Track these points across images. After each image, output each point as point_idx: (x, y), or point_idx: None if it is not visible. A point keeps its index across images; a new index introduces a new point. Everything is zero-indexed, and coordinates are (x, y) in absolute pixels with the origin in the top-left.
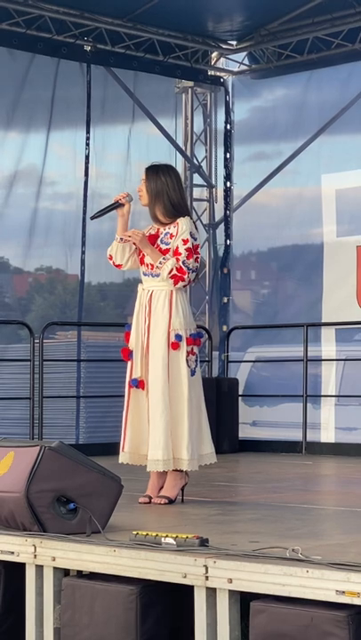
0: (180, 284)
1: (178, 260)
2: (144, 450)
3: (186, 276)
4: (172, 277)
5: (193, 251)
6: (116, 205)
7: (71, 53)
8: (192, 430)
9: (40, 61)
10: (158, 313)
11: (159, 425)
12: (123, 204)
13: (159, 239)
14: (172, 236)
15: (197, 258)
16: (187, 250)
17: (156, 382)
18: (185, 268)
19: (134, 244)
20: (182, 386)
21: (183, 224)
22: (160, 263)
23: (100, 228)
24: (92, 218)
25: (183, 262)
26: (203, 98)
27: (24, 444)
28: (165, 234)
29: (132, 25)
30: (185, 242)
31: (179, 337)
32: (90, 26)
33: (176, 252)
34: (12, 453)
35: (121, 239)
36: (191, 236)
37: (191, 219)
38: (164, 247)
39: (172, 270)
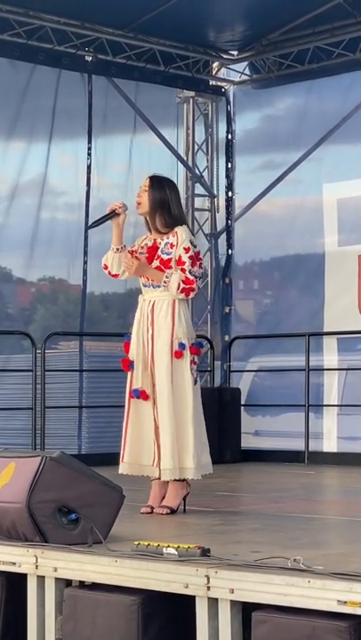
0: (192, 294)
1: (184, 270)
2: (144, 460)
3: (195, 285)
4: (182, 292)
5: (196, 257)
6: (113, 215)
7: (72, 64)
8: (196, 439)
9: (41, 72)
10: (161, 322)
11: (167, 434)
12: (119, 214)
13: (159, 250)
14: (172, 245)
15: (201, 264)
16: (190, 258)
17: (161, 391)
18: (192, 278)
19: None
20: (187, 394)
21: (182, 232)
22: (166, 280)
23: (102, 239)
24: (89, 228)
25: (190, 271)
26: (204, 108)
27: (25, 454)
28: (165, 244)
29: (133, 35)
30: (187, 250)
31: (182, 345)
32: (91, 36)
33: (180, 262)
34: (13, 464)
35: (117, 249)
36: (191, 243)
37: (188, 227)
38: (165, 257)
39: (179, 285)
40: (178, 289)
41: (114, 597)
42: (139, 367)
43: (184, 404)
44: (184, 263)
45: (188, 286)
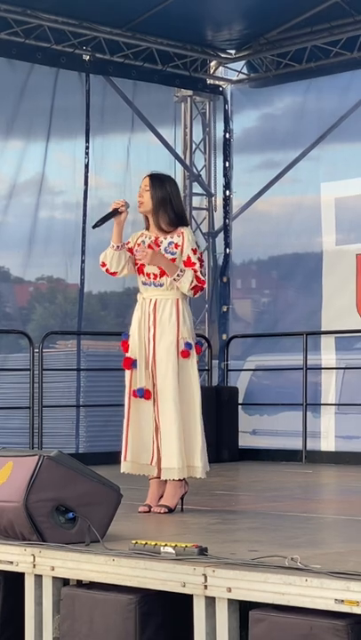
0: (200, 293)
1: (195, 270)
2: (144, 459)
3: (205, 285)
4: (192, 289)
5: (201, 259)
6: (115, 213)
7: (70, 63)
8: (202, 438)
9: (39, 71)
10: (165, 322)
11: (173, 433)
12: (121, 212)
13: (162, 248)
14: (176, 245)
15: (204, 265)
16: (198, 259)
17: (167, 391)
18: (202, 277)
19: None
20: (194, 394)
21: (189, 234)
22: (180, 274)
23: (100, 238)
24: (94, 227)
25: (200, 272)
26: (202, 107)
27: (23, 453)
28: (169, 243)
29: (130, 34)
30: (195, 251)
31: (189, 345)
32: (88, 35)
33: (189, 263)
34: (10, 463)
35: (117, 247)
36: (196, 244)
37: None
38: (169, 257)
39: (192, 282)
40: (190, 285)
41: (111, 596)
42: (142, 366)
43: (192, 404)
44: (194, 264)
45: (199, 285)
